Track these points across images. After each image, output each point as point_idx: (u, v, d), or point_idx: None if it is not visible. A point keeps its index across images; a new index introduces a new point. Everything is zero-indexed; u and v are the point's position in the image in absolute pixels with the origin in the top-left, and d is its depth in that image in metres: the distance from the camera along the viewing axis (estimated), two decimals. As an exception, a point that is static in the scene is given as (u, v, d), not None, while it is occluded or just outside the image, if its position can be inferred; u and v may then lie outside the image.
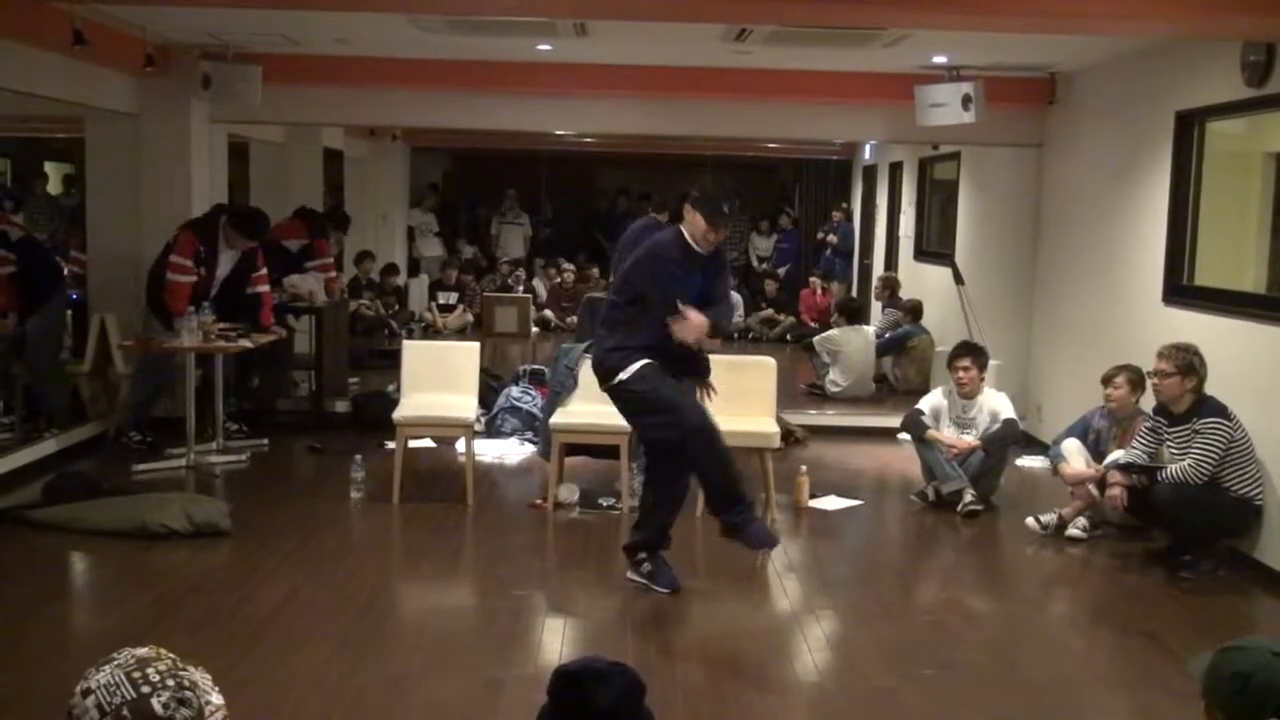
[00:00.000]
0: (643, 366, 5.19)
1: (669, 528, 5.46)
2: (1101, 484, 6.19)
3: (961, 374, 7.15)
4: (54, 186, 14.77)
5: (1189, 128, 6.85)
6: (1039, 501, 6.95)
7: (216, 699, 1.97)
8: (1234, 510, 5.77)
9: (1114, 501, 6.07)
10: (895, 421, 8.30)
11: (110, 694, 1.88)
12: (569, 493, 6.85)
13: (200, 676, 1.97)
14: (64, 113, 8.85)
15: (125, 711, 1.86)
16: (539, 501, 6.81)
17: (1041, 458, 7.76)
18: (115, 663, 1.93)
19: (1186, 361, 5.85)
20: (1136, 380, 6.47)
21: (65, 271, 8.71)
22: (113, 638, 4.59)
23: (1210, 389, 5.90)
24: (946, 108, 8.11)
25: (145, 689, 1.89)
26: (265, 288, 8.04)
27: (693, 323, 5.13)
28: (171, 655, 1.97)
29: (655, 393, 5.20)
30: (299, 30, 7.64)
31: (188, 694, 1.91)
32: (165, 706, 1.88)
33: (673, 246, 5.26)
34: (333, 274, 9.32)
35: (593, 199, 18.42)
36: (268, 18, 7.06)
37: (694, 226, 5.22)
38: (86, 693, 1.89)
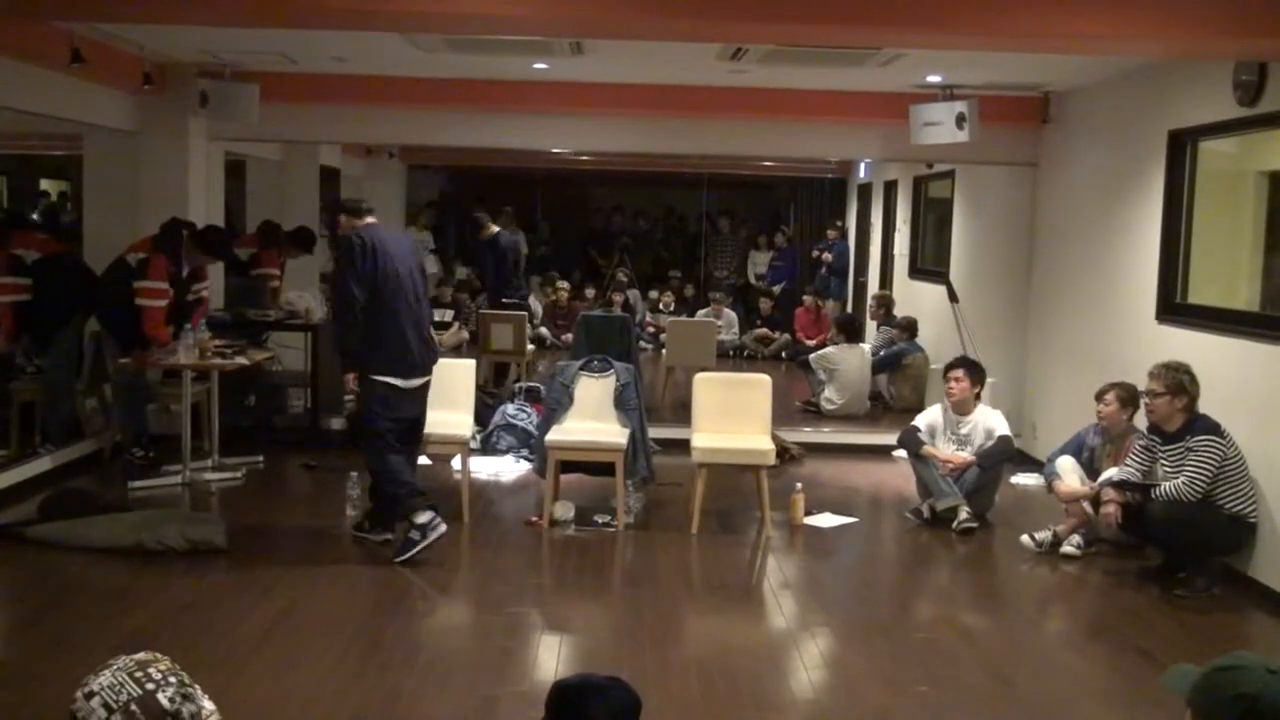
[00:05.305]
0: None
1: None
2: (1096, 501, 6.21)
3: (952, 384, 7.18)
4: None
5: (1182, 147, 6.90)
6: (1034, 519, 6.96)
7: (209, 705, 2.01)
8: (1228, 527, 5.79)
9: (1108, 519, 6.08)
10: (890, 439, 8.32)
11: (115, 693, 1.91)
12: (564, 510, 6.85)
13: (191, 683, 2.01)
14: (61, 130, 8.87)
15: (133, 707, 1.89)
16: (534, 519, 6.81)
17: (1036, 475, 7.78)
18: (115, 666, 1.97)
19: (1176, 381, 5.87)
20: (1127, 397, 6.50)
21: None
22: (109, 653, 4.58)
23: (1203, 407, 5.92)
24: (941, 126, 8.15)
25: (150, 686, 1.92)
26: (206, 293, 8.07)
27: None
28: (167, 658, 2.00)
29: None
30: (297, 48, 7.68)
31: (190, 690, 1.95)
32: (172, 700, 1.92)
33: None
34: (275, 284, 9.34)
35: (588, 216, 18.46)
36: (266, 36, 7.09)
37: None
38: (90, 695, 1.92)
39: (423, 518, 5.91)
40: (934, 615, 5.81)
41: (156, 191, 8.41)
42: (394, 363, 5.99)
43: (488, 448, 8.51)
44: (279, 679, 4.44)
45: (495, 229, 11.17)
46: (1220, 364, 6.15)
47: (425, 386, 6.24)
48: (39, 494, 6.71)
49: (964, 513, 6.87)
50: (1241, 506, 5.78)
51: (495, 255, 11.19)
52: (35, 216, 12.70)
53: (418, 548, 5.88)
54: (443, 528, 5.95)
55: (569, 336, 12.46)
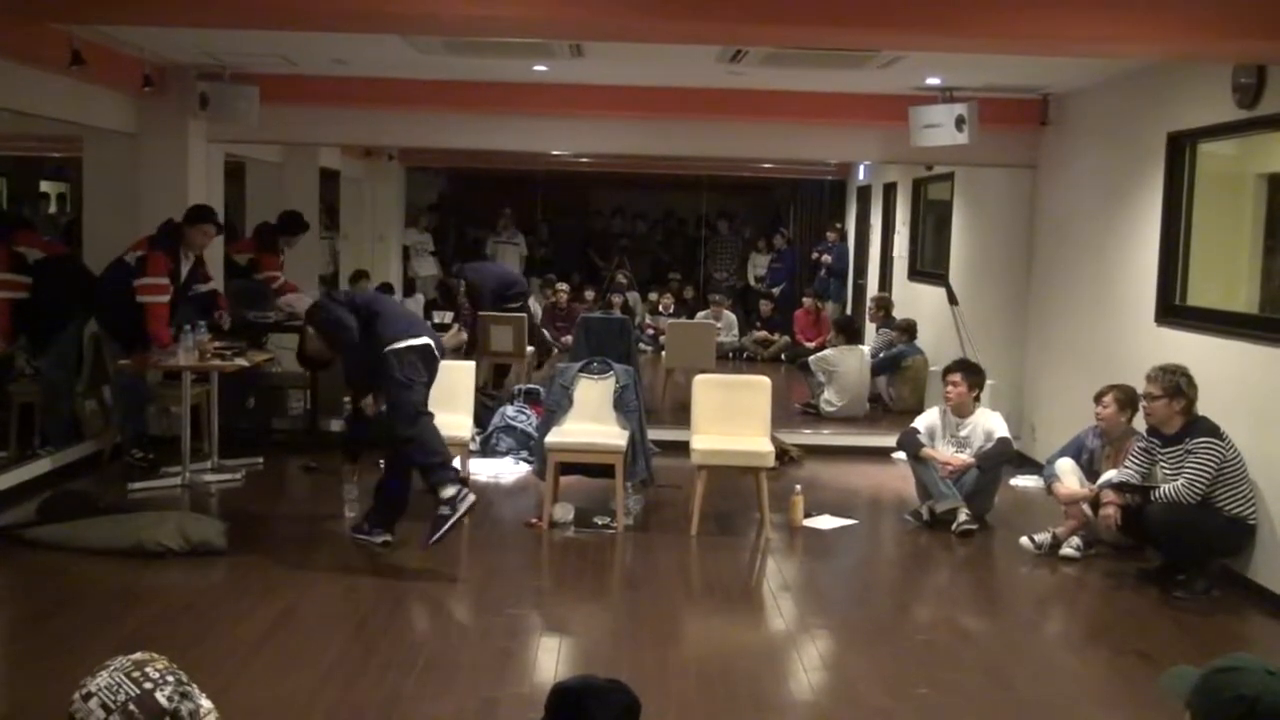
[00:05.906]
0: None
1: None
2: (1095, 503, 6.21)
3: (950, 388, 7.20)
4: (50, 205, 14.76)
5: (1181, 149, 6.90)
6: (1033, 521, 6.97)
7: (206, 703, 2.02)
8: (1227, 530, 5.79)
9: (1108, 521, 6.09)
10: (890, 441, 8.33)
11: (113, 693, 1.92)
12: (564, 512, 6.86)
13: (189, 681, 2.02)
14: (61, 132, 8.87)
15: (131, 706, 1.90)
16: (534, 520, 6.82)
17: (1035, 477, 7.78)
18: (112, 667, 1.98)
19: (1173, 384, 5.88)
20: (1125, 400, 6.50)
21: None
22: (109, 654, 4.58)
23: (1202, 409, 5.92)
24: (940, 129, 8.16)
25: (148, 685, 1.93)
26: (213, 285, 8.16)
27: None
28: (164, 657, 2.01)
29: None
30: (297, 51, 7.68)
31: (188, 688, 1.96)
32: (170, 699, 1.93)
33: None
34: (278, 283, 9.30)
35: (588, 218, 18.48)
36: (266, 38, 7.10)
37: None
38: (88, 696, 1.93)
39: (449, 491, 5.82)
40: (933, 617, 5.82)
41: (156, 193, 8.40)
42: (400, 331, 6.03)
43: (487, 449, 8.52)
44: (279, 679, 4.44)
45: (462, 284, 11.33)
46: (1219, 366, 6.16)
47: (435, 362, 6.16)
48: (38, 496, 6.71)
49: (963, 515, 6.87)
50: (1241, 509, 5.78)
51: (474, 298, 11.30)
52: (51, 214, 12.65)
53: (449, 523, 5.78)
54: (471, 498, 5.87)
55: (569, 339, 12.45)
